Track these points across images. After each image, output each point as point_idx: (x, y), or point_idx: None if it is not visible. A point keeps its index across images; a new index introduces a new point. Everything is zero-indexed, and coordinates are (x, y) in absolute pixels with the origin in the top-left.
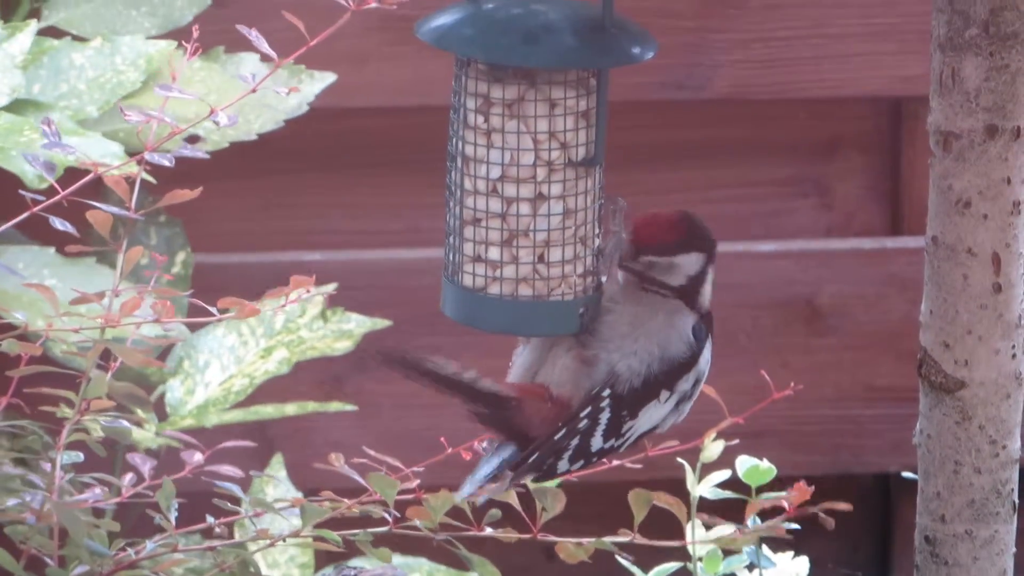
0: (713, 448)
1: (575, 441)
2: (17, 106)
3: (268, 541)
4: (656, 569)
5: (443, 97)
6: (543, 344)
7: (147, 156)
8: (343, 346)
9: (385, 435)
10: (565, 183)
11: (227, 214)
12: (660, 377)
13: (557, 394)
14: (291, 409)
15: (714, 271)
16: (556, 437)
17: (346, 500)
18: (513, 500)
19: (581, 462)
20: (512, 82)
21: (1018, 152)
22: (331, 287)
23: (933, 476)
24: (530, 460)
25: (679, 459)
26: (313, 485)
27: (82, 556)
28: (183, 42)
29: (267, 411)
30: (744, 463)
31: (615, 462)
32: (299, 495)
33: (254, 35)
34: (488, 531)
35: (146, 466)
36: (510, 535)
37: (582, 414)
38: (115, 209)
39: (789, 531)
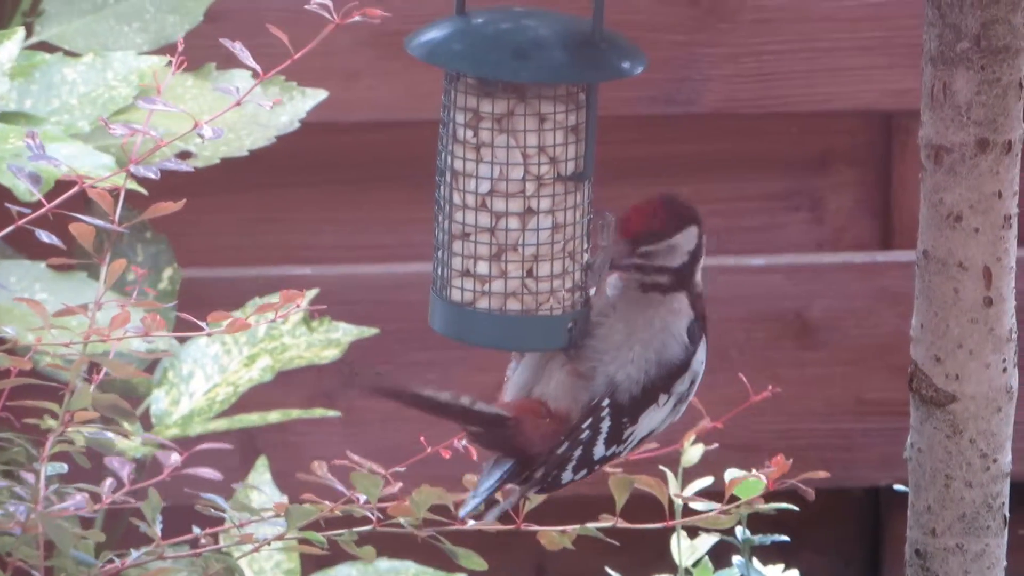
0: (693, 452)
1: (578, 452)
2: (9, 120)
3: (253, 546)
4: None
5: (433, 112)
6: (537, 361)
7: (132, 169)
8: (330, 354)
9: (374, 449)
10: (554, 198)
11: (218, 228)
12: (658, 382)
13: (555, 409)
14: (275, 416)
15: (706, 242)
16: (560, 450)
17: (328, 503)
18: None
19: (585, 471)
20: (502, 97)
21: (1009, 166)
22: (313, 292)
23: (924, 490)
24: (537, 475)
25: (661, 467)
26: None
27: (68, 567)
28: (173, 55)
29: (251, 419)
30: (733, 476)
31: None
32: (284, 499)
33: (239, 48)
34: (471, 523)
35: (125, 470)
36: (493, 527)
37: (584, 425)
38: (99, 222)
39: (780, 544)
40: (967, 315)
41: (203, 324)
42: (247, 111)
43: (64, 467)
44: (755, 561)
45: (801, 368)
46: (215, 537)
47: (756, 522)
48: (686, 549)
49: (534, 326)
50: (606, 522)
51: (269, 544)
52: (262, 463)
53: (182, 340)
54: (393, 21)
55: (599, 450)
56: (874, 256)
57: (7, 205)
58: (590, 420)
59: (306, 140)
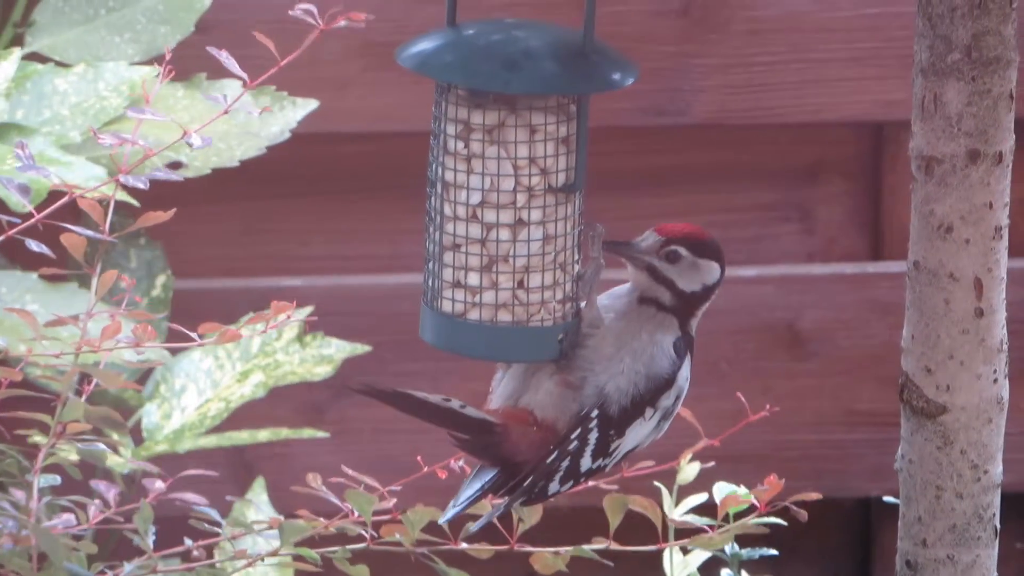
0: (689, 470)
1: (566, 462)
2: (0, 131)
3: (246, 561)
4: None
5: (424, 123)
6: (524, 371)
7: (122, 179)
8: (323, 371)
9: (365, 460)
10: (545, 209)
11: (208, 239)
12: (646, 395)
13: (542, 418)
14: (264, 435)
15: (718, 293)
16: (548, 460)
17: (323, 520)
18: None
19: (571, 482)
20: (492, 108)
21: (1000, 177)
22: (308, 310)
23: (915, 501)
24: (524, 484)
25: (656, 483)
26: (293, 511)
27: None
28: (166, 67)
29: (241, 436)
30: (722, 490)
31: (590, 483)
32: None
33: (225, 56)
34: (464, 546)
35: (110, 493)
36: (487, 548)
37: (572, 436)
38: (90, 232)
39: (770, 557)
40: (958, 326)
41: (194, 335)
42: (238, 120)
43: (57, 479)
44: (744, 574)
45: (792, 379)
46: (208, 550)
47: (746, 533)
48: (678, 564)
49: (525, 337)
50: (599, 543)
51: (263, 560)
52: (259, 484)
53: (173, 352)
54: (384, 32)
55: (586, 462)
56: (865, 267)
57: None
58: (579, 431)
59: (296, 150)
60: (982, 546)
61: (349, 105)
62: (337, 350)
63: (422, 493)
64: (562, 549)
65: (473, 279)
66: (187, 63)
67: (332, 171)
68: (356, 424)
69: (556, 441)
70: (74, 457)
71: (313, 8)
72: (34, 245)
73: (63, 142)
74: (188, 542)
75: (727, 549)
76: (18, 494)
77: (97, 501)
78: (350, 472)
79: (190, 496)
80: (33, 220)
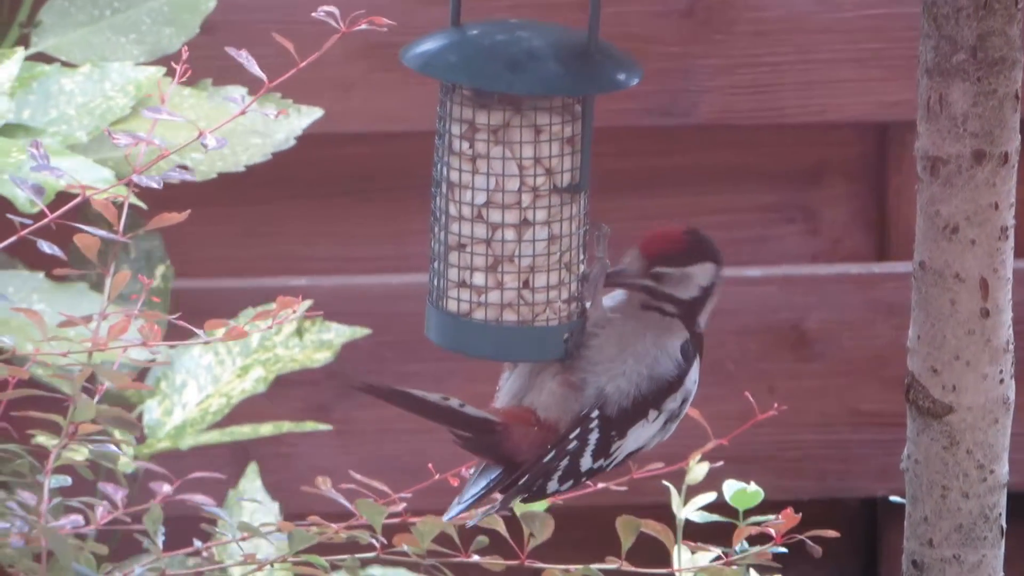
0: (698, 470)
1: (564, 462)
2: (6, 131)
3: (255, 565)
4: None
5: (428, 123)
6: (529, 370)
7: (135, 179)
8: (323, 356)
9: (369, 459)
10: (550, 209)
11: (213, 240)
12: (648, 397)
13: (544, 418)
14: (267, 429)
15: (722, 285)
16: (546, 459)
17: (333, 525)
18: (500, 527)
19: (571, 482)
20: (497, 108)
21: (1006, 177)
22: (307, 303)
23: (920, 501)
24: (521, 482)
25: (665, 482)
26: (297, 509)
27: None
28: (173, 64)
29: (243, 431)
30: (731, 487)
31: (600, 485)
32: (275, 506)
33: (244, 56)
34: (475, 558)
35: (118, 495)
36: (497, 562)
37: (571, 435)
38: (103, 232)
39: (776, 556)
40: (964, 326)
41: (199, 332)
42: (244, 123)
43: (68, 480)
44: (752, 572)
45: (797, 380)
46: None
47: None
48: (687, 563)
49: (530, 337)
50: (611, 563)
51: (272, 566)
52: (252, 470)
53: (174, 347)
54: (388, 32)
55: (586, 462)
56: (870, 268)
57: (8, 216)
58: (578, 431)
59: (301, 152)
60: (988, 546)
61: (353, 106)
62: (336, 335)
63: (430, 494)
64: (572, 567)
65: (478, 279)
66: (191, 64)
67: (337, 172)
68: (361, 424)
69: (555, 440)
70: (81, 458)
71: (335, 10)
72: (46, 246)
73: (70, 142)
74: (197, 543)
75: (737, 548)
76: (25, 495)
77: (105, 502)
78: (359, 477)
79: (199, 498)
80: (46, 220)
